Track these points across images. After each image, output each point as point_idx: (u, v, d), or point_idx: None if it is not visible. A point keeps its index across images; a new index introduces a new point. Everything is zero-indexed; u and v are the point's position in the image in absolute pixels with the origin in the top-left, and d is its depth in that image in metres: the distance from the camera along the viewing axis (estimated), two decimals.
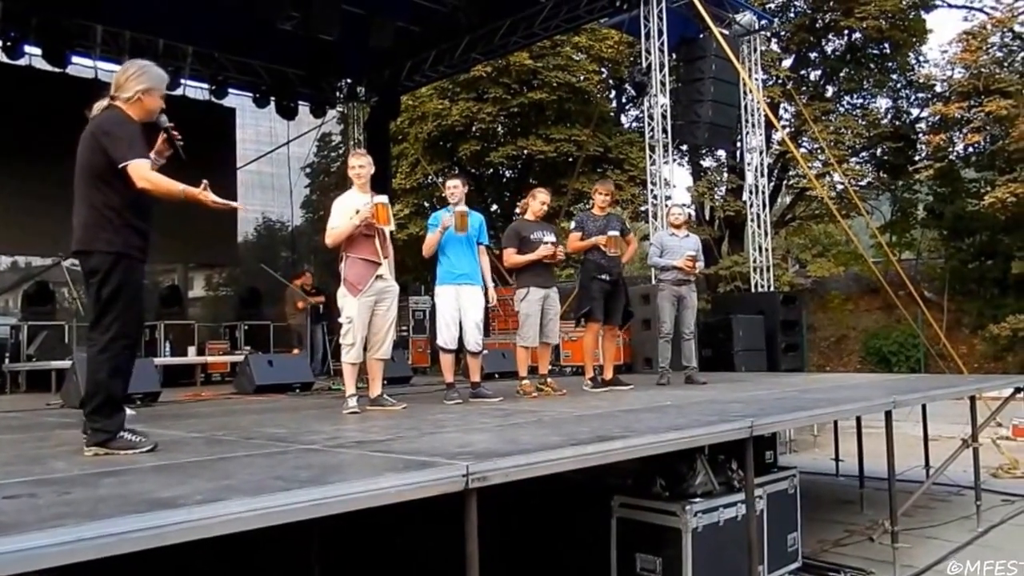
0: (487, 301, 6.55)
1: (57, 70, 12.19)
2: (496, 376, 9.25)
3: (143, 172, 3.58)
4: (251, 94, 14.98)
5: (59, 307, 12.63)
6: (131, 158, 3.56)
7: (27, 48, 12.25)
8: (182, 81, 14.01)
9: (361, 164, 5.83)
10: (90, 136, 3.67)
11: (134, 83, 3.75)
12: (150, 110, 3.80)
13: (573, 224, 7.39)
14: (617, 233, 7.25)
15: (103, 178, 3.63)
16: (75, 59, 12.67)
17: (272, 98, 15.03)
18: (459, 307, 6.32)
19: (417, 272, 17.32)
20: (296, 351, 11.85)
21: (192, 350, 12.19)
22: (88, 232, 3.63)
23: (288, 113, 15.33)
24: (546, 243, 6.85)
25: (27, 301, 12.48)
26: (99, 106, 3.75)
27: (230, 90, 14.66)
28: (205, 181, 3.76)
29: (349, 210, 5.68)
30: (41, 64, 12.29)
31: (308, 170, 18.52)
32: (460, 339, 6.40)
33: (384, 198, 5.82)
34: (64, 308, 12.52)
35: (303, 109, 15.61)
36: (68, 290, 12.20)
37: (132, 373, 3.78)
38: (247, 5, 10.67)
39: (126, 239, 3.65)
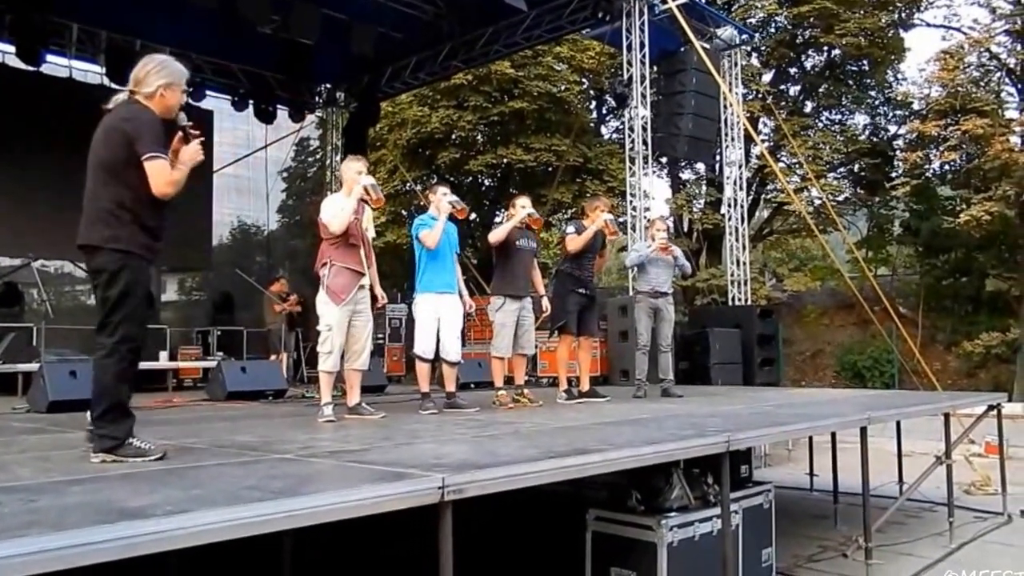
0: (464, 308, 6.55)
1: (31, 68, 11.97)
2: (472, 386, 9.21)
3: (166, 175, 3.50)
4: (229, 97, 14.87)
5: (28, 309, 12.41)
6: (155, 152, 3.47)
7: (0, 46, 12.06)
8: None
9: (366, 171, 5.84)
10: (111, 128, 3.55)
11: (155, 78, 3.64)
12: (169, 106, 3.69)
13: (572, 228, 7.37)
14: (612, 217, 7.31)
15: (116, 172, 3.53)
16: (50, 58, 12.46)
17: (251, 101, 14.91)
18: (439, 316, 6.30)
19: (394, 279, 17.25)
20: (273, 357, 11.74)
21: (164, 355, 12.05)
22: (95, 228, 3.52)
23: (266, 117, 15.22)
24: (528, 245, 6.96)
25: None
26: (117, 100, 3.65)
27: (208, 92, 14.48)
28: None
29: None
30: (14, 62, 12.10)
31: (285, 175, 18.44)
32: (436, 348, 6.37)
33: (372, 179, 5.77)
34: (33, 310, 12.25)
35: (281, 113, 15.50)
36: (38, 291, 11.97)
37: (137, 377, 3.69)
38: (227, 7, 10.55)
39: (134, 237, 3.54)
